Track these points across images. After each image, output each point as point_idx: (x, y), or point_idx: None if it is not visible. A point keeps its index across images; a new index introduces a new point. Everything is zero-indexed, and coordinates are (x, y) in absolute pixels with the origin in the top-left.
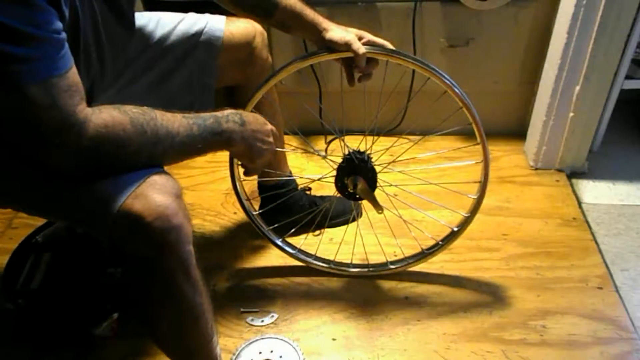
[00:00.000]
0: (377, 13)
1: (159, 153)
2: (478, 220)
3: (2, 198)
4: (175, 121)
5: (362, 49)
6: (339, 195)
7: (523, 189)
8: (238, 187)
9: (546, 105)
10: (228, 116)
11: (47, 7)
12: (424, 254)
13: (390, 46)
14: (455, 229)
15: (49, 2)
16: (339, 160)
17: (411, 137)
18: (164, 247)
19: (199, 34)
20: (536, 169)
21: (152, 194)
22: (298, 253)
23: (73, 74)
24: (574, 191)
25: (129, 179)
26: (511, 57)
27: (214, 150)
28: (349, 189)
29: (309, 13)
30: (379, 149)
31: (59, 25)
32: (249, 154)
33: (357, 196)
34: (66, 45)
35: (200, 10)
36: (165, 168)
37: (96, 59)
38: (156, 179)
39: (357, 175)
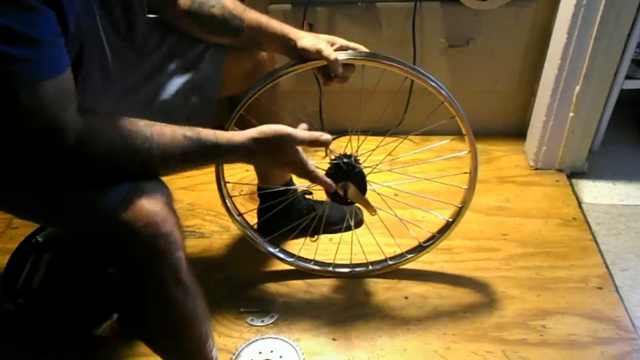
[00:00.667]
0: (377, 13)
1: (149, 171)
2: (478, 220)
3: None
4: (173, 141)
5: (333, 55)
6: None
7: (523, 189)
8: (228, 204)
9: (546, 105)
10: (237, 149)
11: (44, 8)
12: (422, 247)
13: (364, 49)
14: (450, 220)
15: (47, 4)
16: (327, 165)
17: (399, 136)
18: (153, 254)
19: (204, 42)
20: (536, 169)
21: (141, 201)
22: (297, 260)
23: (66, 78)
24: (574, 191)
25: (118, 187)
26: (511, 57)
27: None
28: (340, 195)
29: (276, 24)
30: (366, 151)
31: (56, 27)
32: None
33: (349, 201)
34: (62, 48)
35: None
36: None
37: (99, 69)
38: (146, 186)
39: (347, 181)
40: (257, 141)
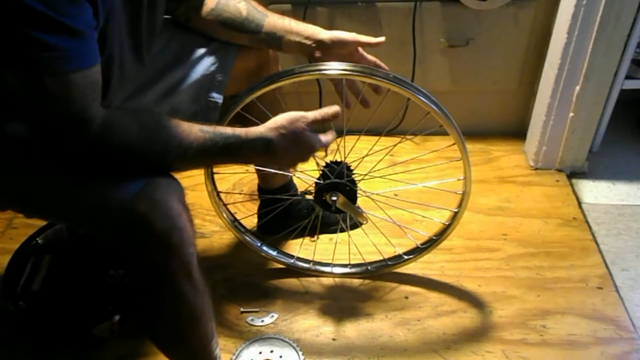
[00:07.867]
0: (377, 13)
1: (166, 164)
2: (478, 220)
3: (2, 199)
4: (190, 134)
5: (374, 39)
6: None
7: (523, 189)
8: (222, 212)
9: (546, 105)
10: (256, 141)
11: (84, 2)
12: (420, 249)
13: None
14: (447, 224)
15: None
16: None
17: (397, 136)
18: (167, 248)
19: (213, 41)
20: (536, 169)
21: (157, 195)
22: (296, 262)
23: (95, 72)
24: (574, 191)
25: (134, 180)
26: (511, 57)
27: (233, 164)
28: (329, 204)
29: (297, 21)
30: (358, 158)
31: (93, 21)
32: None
33: (340, 209)
34: (95, 42)
35: None
36: None
37: (119, 68)
38: (160, 181)
39: (335, 191)
40: (273, 129)
